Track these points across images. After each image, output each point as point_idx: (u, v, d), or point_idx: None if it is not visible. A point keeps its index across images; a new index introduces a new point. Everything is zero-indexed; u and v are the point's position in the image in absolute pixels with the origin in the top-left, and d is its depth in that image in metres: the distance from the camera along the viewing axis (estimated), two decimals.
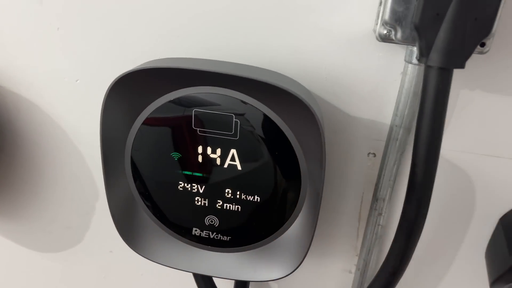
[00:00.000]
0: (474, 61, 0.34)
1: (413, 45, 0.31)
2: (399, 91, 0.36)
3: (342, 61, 0.37)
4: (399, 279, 0.35)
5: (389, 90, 0.37)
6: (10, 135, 0.46)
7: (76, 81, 0.42)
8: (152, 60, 0.34)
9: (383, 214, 0.41)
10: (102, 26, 0.39)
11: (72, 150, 0.46)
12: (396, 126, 0.37)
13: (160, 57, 0.39)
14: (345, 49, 0.36)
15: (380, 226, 0.42)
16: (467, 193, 0.41)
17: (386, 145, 0.39)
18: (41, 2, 0.39)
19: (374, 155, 0.41)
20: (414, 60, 0.32)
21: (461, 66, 0.28)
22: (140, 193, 0.38)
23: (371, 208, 0.42)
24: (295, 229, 0.37)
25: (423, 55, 0.28)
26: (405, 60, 0.34)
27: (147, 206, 0.38)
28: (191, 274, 0.45)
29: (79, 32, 0.40)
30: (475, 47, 0.28)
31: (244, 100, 0.33)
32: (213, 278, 0.45)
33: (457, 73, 0.35)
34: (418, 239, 0.34)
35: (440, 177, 0.40)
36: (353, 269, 0.47)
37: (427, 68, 0.28)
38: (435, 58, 0.27)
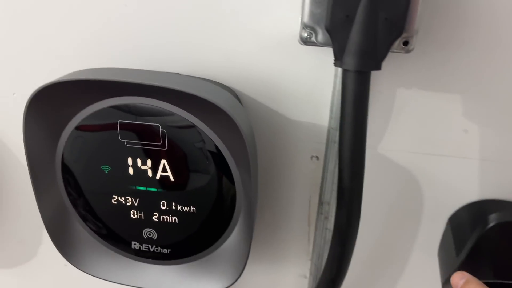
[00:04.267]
0: (404, 59, 0.34)
1: None
2: (332, 93, 0.35)
3: (276, 64, 0.36)
4: (339, 286, 0.35)
5: (324, 92, 0.36)
6: None
7: (13, 94, 0.41)
8: (74, 72, 0.33)
9: (329, 218, 0.40)
10: (35, 38, 0.38)
11: (16, 164, 0.45)
12: (332, 128, 0.36)
13: (95, 66, 0.39)
14: (277, 52, 0.35)
15: (327, 230, 0.41)
16: (415, 193, 0.40)
17: (326, 147, 0.38)
18: None
19: (317, 158, 0.40)
20: None
21: (377, 68, 0.27)
22: (73, 206, 0.37)
23: (318, 212, 0.41)
24: (233, 239, 0.36)
25: (338, 58, 0.27)
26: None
27: (82, 219, 0.38)
28: None
29: (12, 45, 0.39)
30: (389, 47, 0.27)
31: (170, 109, 0.32)
32: None
33: (389, 73, 0.35)
34: (353, 245, 0.33)
35: (386, 178, 0.40)
36: (307, 274, 0.46)
37: (344, 72, 0.27)
38: (349, 61, 0.26)
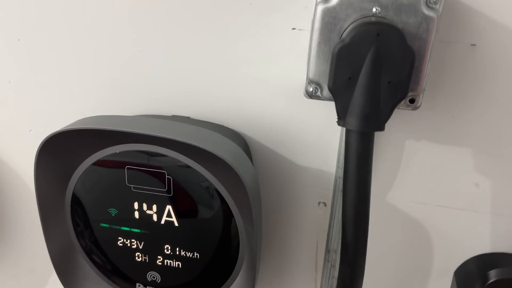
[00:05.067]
0: (414, 114, 0.33)
1: None
2: (339, 143, 0.35)
3: (284, 112, 0.36)
4: None
5: (332, 140, 0.36)
6: None
7: (30, 131, 0.43)
8: (84, 119, 0.34)
9: (336, 266, 0.40)
10: (52, 79, 0.39)
11: (30, 197, 0.46)
12: (339, 177, 0.36)
13: (107, 108, 0.40)
14: (285, 100, 0.36)
15: (334, 278, 0.40)
16: (422, 245, 0.39)
17: (333, 195, 0.38)
18: None
19: (325, 204, 0.39)
20: None
21: (380, 129, 0.27)
22: (82, 246, 0.38)
23: (324, 259, 0.41)
24: (236, 286, 0.36)
25: (341, 118, 0.27)
26: None
27: (90, 259, 0.38)
28: None
29: (30, 85, 0.40)
30: (392, 109, 0.27)
31: (176, 157, 0.33)
32: None
33: (397, 125, 0.34)
34: None
35: (393, 228, 0.39)
36: None
37: (347, 131, 0.27)
38: (351, 121, 0.26)
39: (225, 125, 0.38)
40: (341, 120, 0.27)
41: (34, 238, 0.49)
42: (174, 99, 0.38)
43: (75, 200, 0.36)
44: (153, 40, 0.36)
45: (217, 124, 0.38)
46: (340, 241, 0.38)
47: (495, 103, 0.33)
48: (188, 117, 0.38)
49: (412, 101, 0.29)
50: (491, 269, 0.35)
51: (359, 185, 0.28)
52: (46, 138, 0.32)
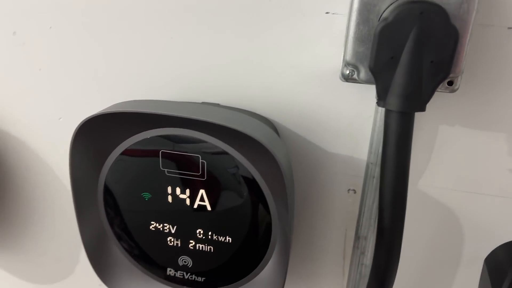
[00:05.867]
0: (448, 98, 0.33)
1: None
2: (372, 128, 0.35)
3: (315, 98, 0.36)
4: None
5: (364, 126, 0.36)
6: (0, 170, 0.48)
7: (59, 119, 0.43)
8: (118, 103, 0.34)
9: (365, 253, 0.40)
10: (82, 67, 0.40)
11: (59, 185, 0.47)
12: (371, 163, 0.36)
13: (137, 96, 0.40)
14: (316, 86, 0.36)
15: (363, 266, 0.40)
16: (454, 232, 0.39)
17: (364, 182, 0.38)
18: (23, 44, 0.40)
19: (354, 191, 0.39)
20: None
21: (421, 109, 0.27)
22: (113, 230, 0.38)
23: (354, 246, 0.41)
24: (268, 270, 0.36)
25: (381, 98, 0.27)
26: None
27: (120, 243, 0.38)
28: None
29: (60, 72, 0.41)
30: (434, 90, 0.26)
31: (210, 141, 0.33)
32: None
33: (432, 110, 0.34)
34: (392, 284, 0.32)
35: (425, 215, 0.39)
36: None
37: (387, 112, 0.27)
38: (393, 102, 0.26)
39: (255, 111, 0.38)
40: (381, 101, 0.27)
41: (61, 228, 0.49)
42: (204, 86, 0.38)
43: (108, 184, 0.36)
44: (184, 27, 0.36)
45: (247, 111, 0.38)
46: (371, 227, 0.38)
47: None
48: (218, 104, 0.38)
49: (450, 83, 0.29)
50: None
51: (398, 167, 0.28)
52: (82, 121, 0.32)
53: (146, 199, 0.36)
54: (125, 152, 0.34)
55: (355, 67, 0.30)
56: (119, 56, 0.39)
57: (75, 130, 0.33)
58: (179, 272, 0.38)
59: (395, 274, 0.32)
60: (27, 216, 0.50)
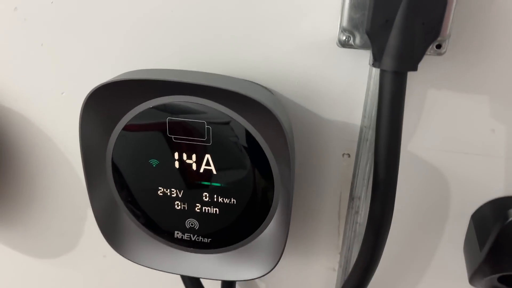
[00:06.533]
0: (436, 62, 0.36)
1: None
2: (365, 93, 0.37)
3: (311, 66, 0.38)
4: (372, 275, 0.37)
5: (358, 92, 0.39)
6: (1, 146, 0.48)
7: (62, 93, 0.44)
8: (126, 72, 0.36)
9: (359, 212, 0.42)
10: (83, 42, 0.41)
11: (61, 159, 0.48)
12: (365, 127, 0.38)
13: (138, 67, 0.41)
14: (312, 55, 0.38)
15: (358, 224, 0.43)
16: (441, 190, 0.42)
17: (358, 146, 0.40)
18: (25, 20, 0.41)
19: (349, 155, 0.42)
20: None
21: (414, 69, 0.29)
22: (122, 198, 0.40)
23: (348, 206, 0.43)
24: (271, 229, 0.39)
25: (377, 59, 0.29)
26: (369, 64, 0.35)
27: (129, 210, 0.40)
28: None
29: (62, 47, 0.42)
30: (425, 50, 0.29)
31: (214, 107, 0.35)
32: (200, 279, 0.47)
33: (421, 74, 0.37)
34: (387, 235, 0.35)
35: (414, 175, 0.42)
36: (336, 267, 0.48)
37: (382, 72, 0.30)
38: (387, 62, 0.29)
39: (254, 81, 0.40)
40: (377, 62, 0.29)
41: (64, 202, 0.51)
42: (204, 57, 0.40)
43: (117, 152, 0.38)
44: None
45: (247, 80, 0.40)
46: (365, 188, 0.40)
47: (508, 52, 0.35)
48: (219, 75, 0.40)
49: (438, 46, 0.31)
50: (509, 209, 0.37)
51: (392, 123, 0.30)
52: (92, 90, 0.34)
53: (154, 165, 0.37)
54: (133, 120, 0.36)
55: (351, 33, 0.32)
56: (120, 31, 0.40)
57: (85, 98, 0.34)
58: (186, 234, 0.40)
59: (390, 225, 0.35)
60: (31, 191, 0.51)
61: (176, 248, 0.41)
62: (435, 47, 0.31)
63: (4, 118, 0.47)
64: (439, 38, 0.31)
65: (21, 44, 0.42)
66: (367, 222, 0.35)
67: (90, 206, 0.50)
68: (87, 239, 0.53)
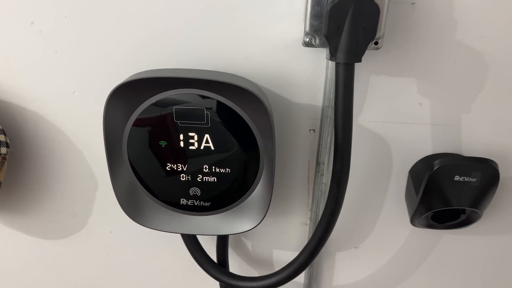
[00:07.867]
0: (375, 55, 0.47)
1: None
2: (325, 80, 0.49)
3: (283, 62, 0.49)
4: (337, 218, 0.48)
5: (319, 80, 0.50)
6: (19, 142, 0.56)
7: (73, 93, 0.52)
8: (138, 73, 0.45)
9: (324, 175, 0.54)
10: (92, 48, 0.49)
11: (73, 150, 0.56)
12: (326, 107, 0.49)
13: (140, 68, 0.50)
14: (283, 53, 0.48)
15: (323, 184, 0.54)
16: (384, 153, 0.54)
17: (321, 122, 0.52)
18: (40, 32, 0.49)
19: (314, 130, 0.53)
20: None
21: (359, 60, 0.41)
22: (137, 176, 0.49)
23: (315, 171, 0.55)
24: (258, 191, 0.49)
25: (332, 55, 0.41)
26: (326, 58, 0.47)
27: (143, 186, 0.49)
28: (179, 243, 0.57)
29: (73, 53, 0.50)
30: (366, 47, 0.40)
31: (211, 96, 0.45)
32: (198, 236, 0.56)
33: (364, 65, 0.48)
34: (346, 185, 0.46)
35: (363, 142, 0.53)
36: (308, 222, 0.60)
37: (336, 64, 0.41)
38: (340, 56, 0.40)
39: (238, 74, 0.50)
40: (333, 57, 0.41)
41: (75, 186, 0.59)
42: (196, 57, 0.49)
43: (132, 137, 0.47)
44: (180, 6, 0.46)
45: (233, 74, 0.50)
46: (327, 155, 0.52)
47: (427, 45, 0.47)
48: (210, 70, 0.50)
49: (376, 43, 0.43)
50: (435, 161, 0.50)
51: (345, 103, 0.42)
52: (116, 86, 0.43)
53: (163, 146, 0.47)
54: (146, 109, 0.45)
55: (313, 36, 0.43)
56: (123, 39, 0.48)
57: (108, 96, 0.43)
58: (190, 201, 0.50)
59: (348, 177, 0.46)
60: (44, 179, 0.59)
61: (182, 213, 0.51)
62: (373, 44, 0.43)
63: (20, 117, 0.54)
64: (376, 37, 0.42)
65: (37, 53, 0.50)
66: (331, 176, 0.46)
67: (98, 189, 0.59)
68: (96, 218, 0.61)
